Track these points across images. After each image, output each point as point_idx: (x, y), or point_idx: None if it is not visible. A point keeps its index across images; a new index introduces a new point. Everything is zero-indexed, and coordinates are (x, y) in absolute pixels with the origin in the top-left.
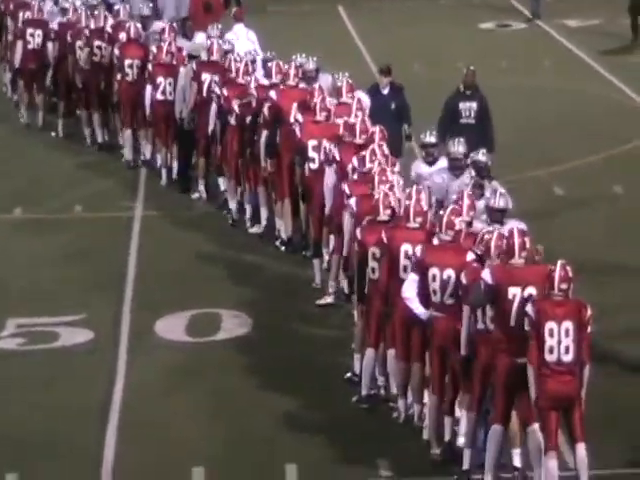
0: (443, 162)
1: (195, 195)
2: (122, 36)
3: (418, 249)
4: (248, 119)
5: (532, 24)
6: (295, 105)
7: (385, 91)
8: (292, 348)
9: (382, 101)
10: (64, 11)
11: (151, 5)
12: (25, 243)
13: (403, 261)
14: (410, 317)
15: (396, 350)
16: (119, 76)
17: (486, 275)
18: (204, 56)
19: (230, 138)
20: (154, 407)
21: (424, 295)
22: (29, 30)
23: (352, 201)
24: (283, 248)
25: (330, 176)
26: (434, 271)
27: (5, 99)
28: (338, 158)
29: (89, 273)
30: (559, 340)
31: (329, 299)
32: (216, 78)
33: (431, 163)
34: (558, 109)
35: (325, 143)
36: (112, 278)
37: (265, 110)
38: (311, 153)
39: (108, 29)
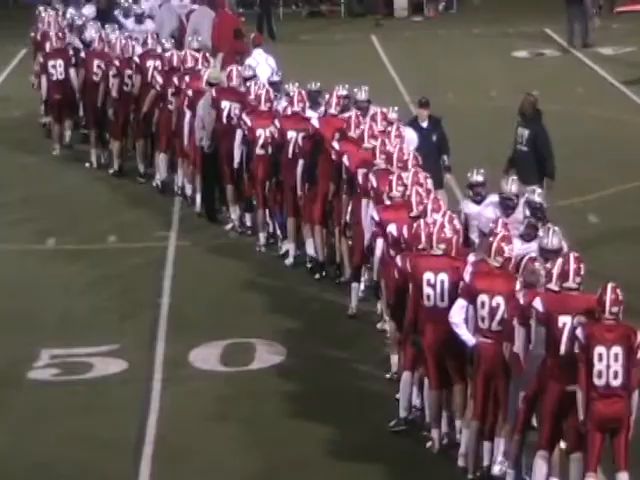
0: (493, 197)
1: (228, 226)
2: (150, 64)
3: (467, 275)
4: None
5: (566, 52)
6: (337, 134)
7: (424, 124)
8: (327, 376)
9: (423, 134)
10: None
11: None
12: (59, 273)
13: (426, 289)
14: (440, 345)
15: (429, 380)
16: (161, 104)
17: (537, 303)
18: (224, 83)
19: (255, 166)
20: (189, 438)
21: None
22: (50, 62)
23: (391, 227)
24: (316, 275)
25: (366, 206)
26: (483, 298)
27: (39, 130)
28: (375, 186)
29: (123, 303)
30: (608, 364)
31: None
32: (236, 105)
33: (479, 202)
34: (591, 137)
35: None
36: (146, 308)
37: (299, 139)
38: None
39: (136, 58)
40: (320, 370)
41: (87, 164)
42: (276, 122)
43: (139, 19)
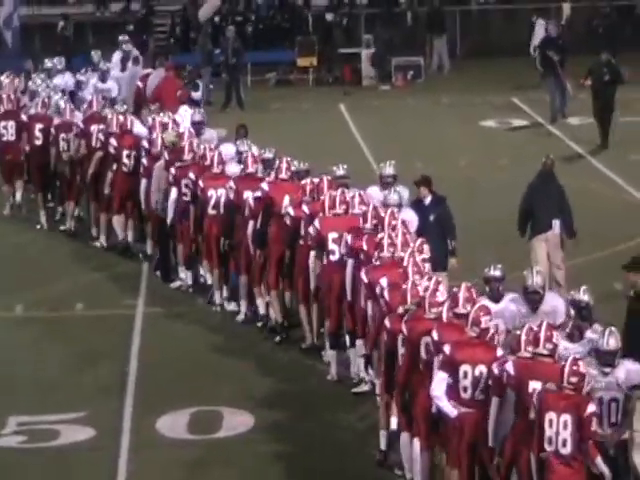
0: (511, 299)
1: (175, 284)
2: (94, 127)
3: (447, 347)
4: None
5: (534, 122)
6: (287, 198)
7: (426, 202)
8: (295, 446)
9: (424, 214)
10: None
11: (202, 111)
12: (27, 341)
13: (423, 352)
14: (431, 410)
15: (420, 441)
16: (114, 166)
17: (509, 367)
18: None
19: (209, 226)
20: None
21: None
22: (1, 123)
23: (385, 291)
24: (276, 338)
25: (351, 268)
26: (465, 368)
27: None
28: (365, 248)
29: (91, 371)
30: (557, 431)
31: (366, 387)
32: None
33: (497, 300)
34: None
35: (346, 235)
36: (113, 376)
37: (251, 201)
38: (331, 245)
39: (79, 123)
40: (288, 440)
41: (38, 226)
42: (231, 183)
43: (103, 77)
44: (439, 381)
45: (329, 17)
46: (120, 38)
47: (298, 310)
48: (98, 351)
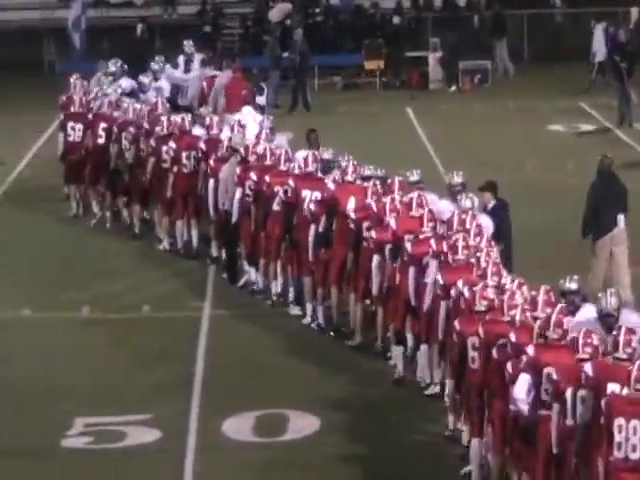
0: (588, 311)
1: (241, 282)
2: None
3: (530, 349)
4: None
5: (602, 127)
6: (353, 200)
7: (489, 207)
8: (361, 449)
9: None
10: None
11: (271, 117)
12: (93, 342)
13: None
14: (507, 413)
15: (493, 443)
16: (175, 169)
17: (588, 368)
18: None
19: (272, 224)
20: None
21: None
22: (69, 124)
23: (465, 291)
24: (332, 333)
25: (413, 273)
26: (549, 370)
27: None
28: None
29: (157, 372)
30: (627, 437)
31: (437, 389)
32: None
33: (574, 312)
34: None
35: (406, 242)
36: (180, 378)
37: (312, 205)
38: (407, 246)
39: (146, 125)
40: (354, 441)
41: (108, 225)
42: (290, 182)
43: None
44: (522, 383)
45: (396, 20)
46: (185, 42)
47: (354, 310)
48: (164, 353)
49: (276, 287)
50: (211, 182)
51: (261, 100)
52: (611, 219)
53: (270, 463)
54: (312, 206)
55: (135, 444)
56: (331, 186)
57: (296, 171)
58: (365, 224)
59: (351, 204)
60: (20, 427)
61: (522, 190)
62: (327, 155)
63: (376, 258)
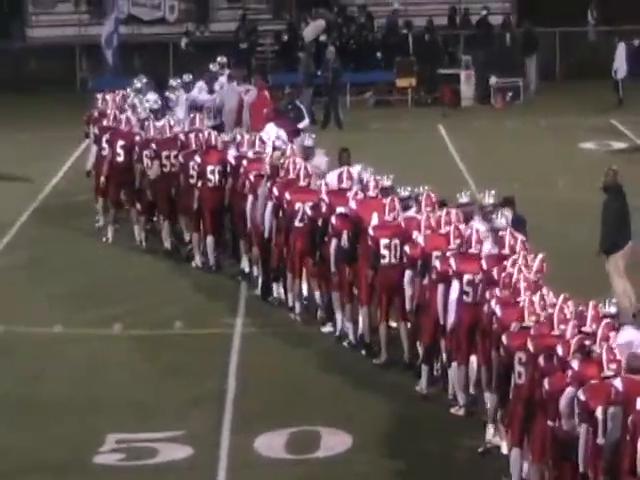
0: (629, 333)
1: (271, 297)
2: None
3: (575, 363)
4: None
5: (634, 145)
6: (375, 216)
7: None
8: (394, 466)
9: None
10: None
11: (313, 136)
12: (125, 358)
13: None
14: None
15: (533, 456)
16: (200, 183)
17: (617, 383)
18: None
19: (294, 239)
20: None
21: None
22: (105, 137)
23: (497, 308)
24: (363, 352)
25: (455, 290)
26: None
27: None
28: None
29: (189, 389)
30: None
31: (460, 412)
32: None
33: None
34: None
35: (435, 260)
36: (212, 394)
37: (333, 219)
38: (435, 263)
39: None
40: (387, 458)
41: (139, 241)
42: (324, 197)
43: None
44: (567, 396)
45: (428, 37)
46: (217, 59)
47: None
48: (196, 369)
49: (299, 304)
50: (250, 198)
51: (302, 124)
52: (623, 234)
53: None
54: (334, 220)
55: (167, 461)
56: (353, 204)
57: (323, 188)
58: (383, 241)
59: (374, 220)
60: (52, 443)
61: (553, 208)
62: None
63: (408, 274)
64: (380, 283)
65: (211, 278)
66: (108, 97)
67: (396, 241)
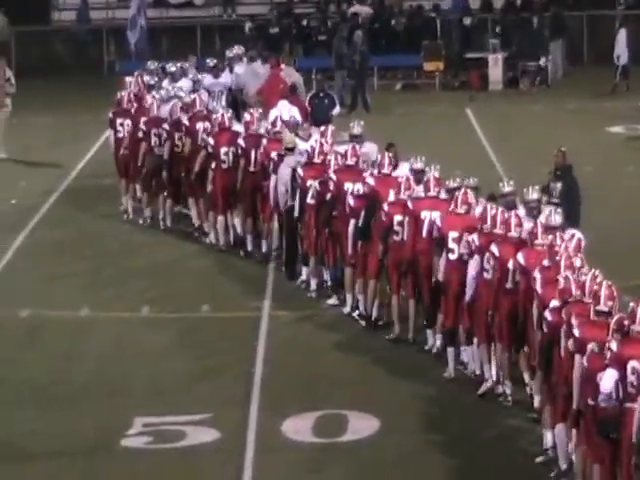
0: None
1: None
2: (200, 126)
3: (614, 344)
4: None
5: None
6: (392, 191)
7: None
8: (421, 450)
9: None
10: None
11: (361, 123)
12: (153, 342)
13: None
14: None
15: (588, 446)
16: (214, 164)
17: None
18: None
19: (308, 217)
20: None
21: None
22: (118, 120)
23: (538, 285)
24: (363, 323)
25: (474, 266)
26: (633, 364)
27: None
28: (497, 253)
29: (216, 372)
30: None
31: (489, 384)
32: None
33: None
34: None
35: (467, 235)
36: (239, 378)
37: (351, 200)
38: (451, 244)
39: (185, 121)
40: (414, 443)
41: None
42: (332, 175)
43: (215, 73)
44: (609, 377)
45: (467, 22)
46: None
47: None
48: (224, 353)
49: (315, 280)
50: (273, 178)
51: (335, 111)
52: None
53: (329, 464)
54: (351, 200)
55: (194, 444)
56: (371, 181)
57: (332, 165)
58: (397, 218)
59: (391, 197)
60: (79, 426)
61: (582, 192)
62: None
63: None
64: (392, 259)
65: (238, 261)
66: (132, 80)
67: (408, 219)
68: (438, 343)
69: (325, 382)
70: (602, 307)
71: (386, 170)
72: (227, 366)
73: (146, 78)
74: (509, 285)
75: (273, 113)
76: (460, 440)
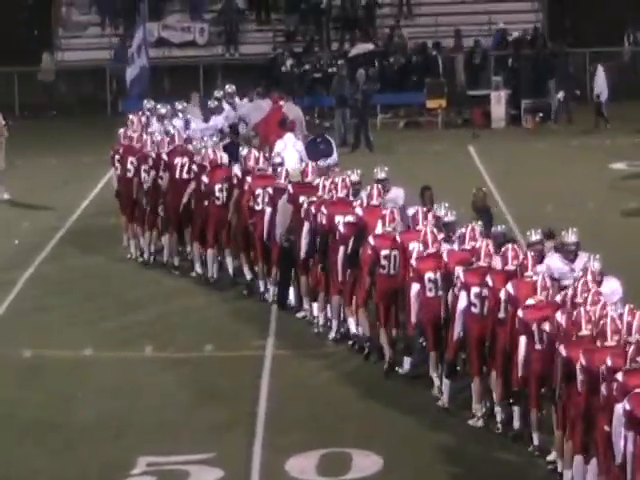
0: None
1: (301, 314)
2: (178, 161)
3: (619, 375)
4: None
5: None
6: (380, 223)
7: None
8: None
9: None
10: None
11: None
12: (155, 381)
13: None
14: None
15: (599, 464)
16: (207, 201)
17: None
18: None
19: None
20: None
21: None
22: (130, 159)
23: (558, 316)
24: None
25: (463, 300)
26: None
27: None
28: (490, 284)
29: (220, 411)
30: None
31: (479, 422)
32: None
33: None
34: None
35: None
36: (243, 416)
37: (341, 227)
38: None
39: (164, 156)
40: (418, 478)
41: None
42: (322, 208)
43: (206, 117)
44: (618, 415)
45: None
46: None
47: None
48: (227, 392)
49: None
50: (268, 211)
51: (332, 159)
52: None
53: None
54: (342, 228)
55: None
56: (359, 211)
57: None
58: (383, 252)
59: (379, 229)
60: (83, 466)
61: (584, 229)
62: (355, 177)
63: (415, 286)
64: (379, 291)
65: (240, 299)
66: (135, 119)
67: (395, 252)
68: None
69: (329, 420)
70: (632, 338)
71: (375, 201)
72: (231, 405)
73: (142, 118)
74: (502, 315)
75: (279, 145)
76: (465, 476)
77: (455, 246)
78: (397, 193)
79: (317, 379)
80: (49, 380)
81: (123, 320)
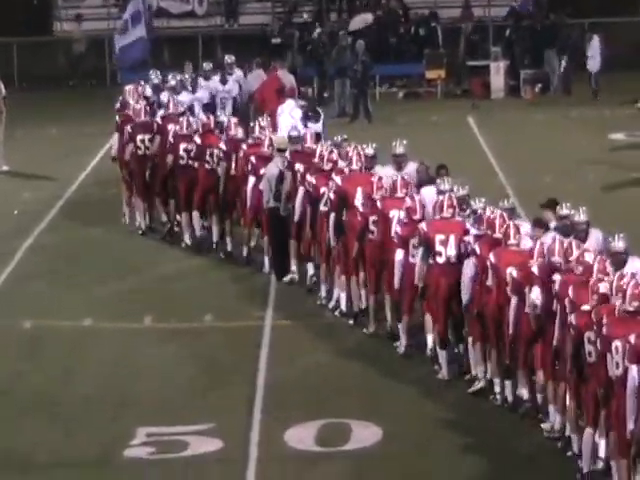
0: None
1: (287, 278)
2: (171, 127)
3: (632, 338)
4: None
5: None
6: (360, 190)
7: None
8: (424, 459)
9: None
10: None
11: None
12: (154, 352)
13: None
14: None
15: (617, 440)
16: (197, 164)
17: None
18: (298, 146)
19: (321, 224)
20: None
21: None
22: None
23: (570, 290)
24: (351, 322)
25: (470, 268)
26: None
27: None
28: (478, 252)
29: (219, 382)
30: None
31: (480, 384)
32: (302, 166)
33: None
34: None
35: (452, 238)
36: (242, 387)
37: (331, 194)
38: (438, 247)
39: (158, 120)
40: (417, 453)
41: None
42: (309, 178)
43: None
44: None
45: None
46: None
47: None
48: (226, 363)
49: (325, 286)
50: (251, 180)
51: (317, 127)
52: None
53: (333, 473)
54: (332, 195)
55: (197, 454)
56: (338, 180)
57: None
58: (372, 218)
59: (358, 194)
60: (82, 437)
61: (584, 200)
62: (370, 150)
63: (400, 252)
64: (369, 257)
65: (240, 269)
66: (129, 88)
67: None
68: (430, 344)
69: (328, 391)
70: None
71: (355, 166)
72: (230, 376)
73: (146, 88)
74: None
75: (285, 111)
76: (464, 447)
77: (470, 220)
78: (414, 167)
79: (316, 350)
80: (49, 352)
81: (122, 290)
